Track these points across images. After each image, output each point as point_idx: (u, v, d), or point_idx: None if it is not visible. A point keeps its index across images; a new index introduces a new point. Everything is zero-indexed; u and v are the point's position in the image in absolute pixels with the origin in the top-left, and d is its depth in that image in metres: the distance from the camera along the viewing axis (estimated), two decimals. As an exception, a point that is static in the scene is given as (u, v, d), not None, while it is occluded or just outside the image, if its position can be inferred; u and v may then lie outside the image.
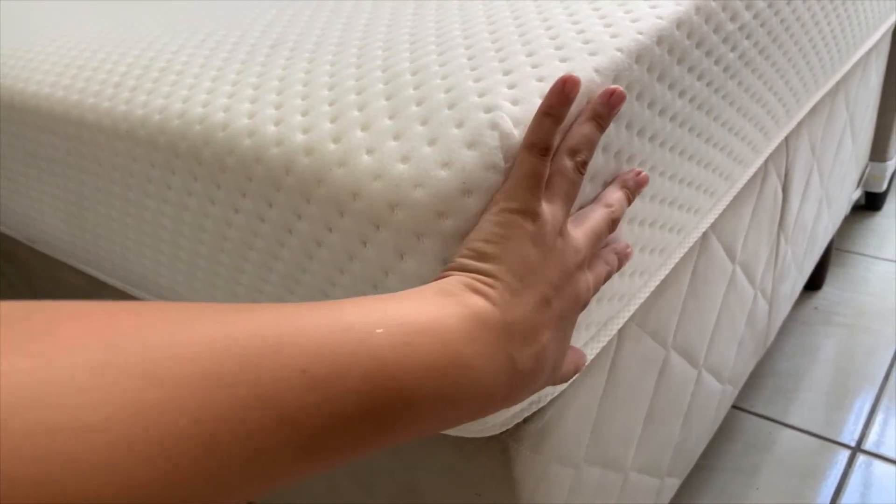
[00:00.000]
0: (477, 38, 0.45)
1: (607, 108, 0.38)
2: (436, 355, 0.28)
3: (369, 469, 0.58)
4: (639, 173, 0.43)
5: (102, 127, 0.51)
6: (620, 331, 0.53)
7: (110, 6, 0.77)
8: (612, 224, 0.40)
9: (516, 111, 0.36)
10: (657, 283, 0.54)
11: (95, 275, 0.71)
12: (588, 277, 0.37)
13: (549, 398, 0.46)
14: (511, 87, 0.38)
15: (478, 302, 0.31)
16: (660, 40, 0.43)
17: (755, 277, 0.79)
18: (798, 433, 0.97)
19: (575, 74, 0.36)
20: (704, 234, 0.63)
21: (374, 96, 0.41)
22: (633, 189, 0.43)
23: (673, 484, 0.76)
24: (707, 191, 0.57)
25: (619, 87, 0.38)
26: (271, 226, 0.43)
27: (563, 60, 0.40)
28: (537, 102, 0.37)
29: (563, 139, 0.37)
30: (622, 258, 0.43)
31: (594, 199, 0.41)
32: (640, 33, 0.42)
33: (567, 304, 0.35)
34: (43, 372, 0.19)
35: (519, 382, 0.32)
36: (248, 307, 0.25)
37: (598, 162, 0.41)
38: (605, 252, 0.42)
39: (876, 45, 1.00)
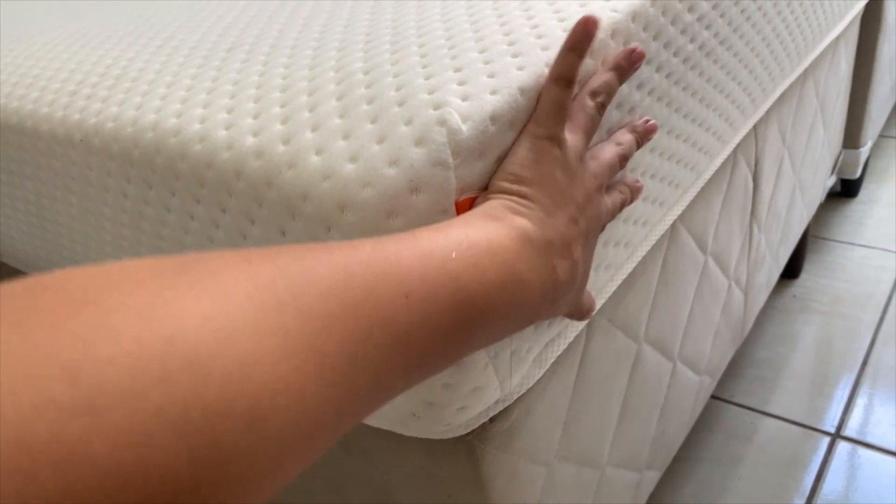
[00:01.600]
0: (431, 35, 0.44)
1: (628, 62, 0.42)
2: (499, 272, 0.32)
3: (342, 474, 0.57)
4: (647, 120, 0.47)
5: (57, 136, 0.51)
6: (589, 325, 0.53)
7: (72, 12, 0.76)
8: (623, 160, 0.44)
9: (465, 107, 0.36)
10: (624, 276, 0.54)
11: (62, 286, 0.70)
12: (607, 201, 0.42)
13: (515, 397, 0.46)
14: (461, 83, 0.38)
15: (522, 223, 0.35)
16: (614, 34, 0.43)
17: (728, 267, 0.79)
18: (778, 421, 0.97)
19: (594, 15, 0.39)
20: (673, 226, 0.63)
21: (326, 97, 0.40)
22: (642, 134, 0.46)
23: (653, 477, 0.76)
24: (672, 182, 0.57)
25: (639, 47, 0.42)
26: (225, 231, 0.42)
27: (514, 56, 0.40)
28: (488, 98, 0.37)
29: (586, 84, 0.41)
30: (634, 191, 0.47)
31: (605, 139, 0.45)
32: (594, 26, 0.42)
33: (591, 223, 0.39)
34: (223, 317, 0.21)
35: (560, 290, 0.37)
36: (346, 244, 0.28)
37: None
38: (618, 184, 0.46)
39: (844, 33, 1.01)
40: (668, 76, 0.50)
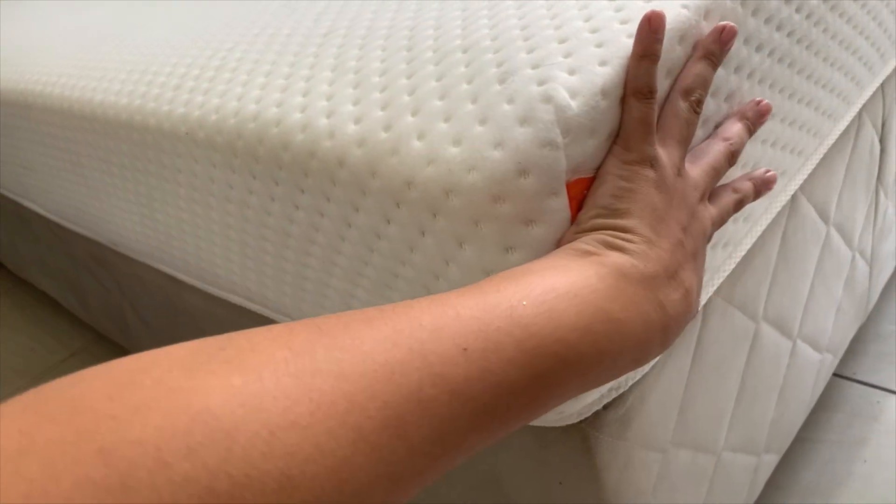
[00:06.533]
0: (532, 5, 0.42)
1: (719, 44, 0.37)
2: (582, 315, 0.29)
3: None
4: (759, 102, 0.42)
5: (163, 130, 0.52)
6: (706, 306, 0.50)
7: (170, 8, 0.78)
8: (732, 157, 0.40)
9: (573, 81, 0.34)
10: (743, 253, 0.51)
11: (174, 274, 0.72)
12: (710, 210, 0.38)
13: (630, 383, 0.44)
14: (567, 55, 0.36)
15: (617, 258, 0.32)
16: (707, 14, 0.40)
17: (852, 238, 0.74)
18: (908, 401, 0.91)
19: (657, 10, 0.35)
20: (794, 196, 0.59)
21: (425, 78, 0.39)
22: (754, 120, 0.42)
23: (771, 460, 0.72)
24: (794, 150, 0.53)
25: (730, 23, 0.37)
26: (331, 220, 0.42)
27: (623, 22, 0.37)
28: (598, 70, 0.35)
29: (677, 80, 0.37)
30: (760, 184, 0.42)
31: (712, 134, 0.41)
32: (709, -15, 0.39)
33: (697, 241, 0.36)
34: (255, 384, 0.22)
35: (673, 324, 0.34)
36: (405, 303, 0.28)
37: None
38: (737, 181, 0.41)
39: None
40: (789, 34, 0.46)
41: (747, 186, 0.41)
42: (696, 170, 0.37)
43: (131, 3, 0.93)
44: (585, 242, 0.33)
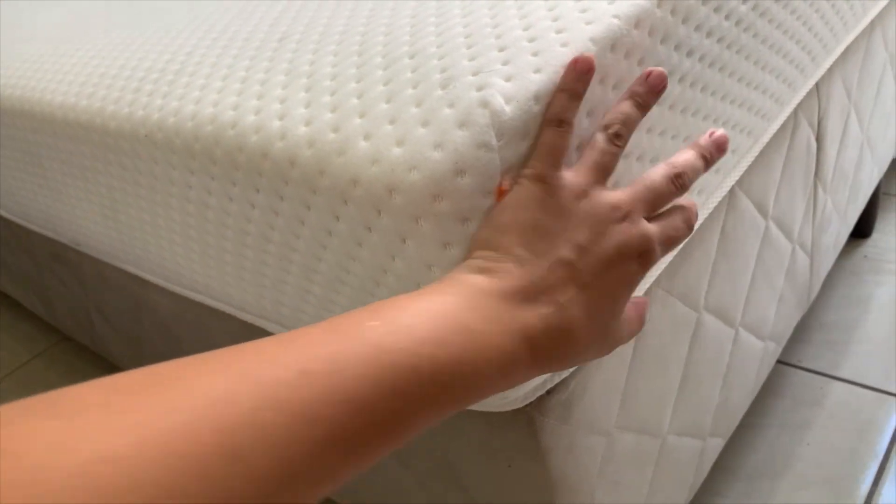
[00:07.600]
0: (476, 14, 0.44)
1: (645, 86, 0.39)
2: (434, 328, 0.29)
3: (406, 445, 0.59)
4: (713, 133, 0.43)
5: (123, 132, 0.53)
6: (645, 296, 0.53)
7: (131, 10, 0.79)
8: (676, 178, 0.39)
9: (509, 87, 0.36)
10: (680, 245, 0.54)
11: (138, 273, 0.74)
12: (643, 228, 0.37)
13: (571, 369, 0.46)
14: (505, 63, 0.38)
15: (477, 279, 0.33)
16: (661, 2, 0.43)
17: (792, 231, 0.77)
18: (849, 386, 0.95)
19: (588, 55, 0.37)
20: (732, 192, 0.62)
21: (373, 83, 0.41)
22: (707, 148, 0.42)
23: (717, 444, 0.75)
24: (729, 149, 0.56)
25: (658, 69, 0.39)
26: (285, 219, 0.44)
27: (558, 32, 0.40)
28: (532, 77, 0.37)
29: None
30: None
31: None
32: (638, -4, 0.42)
33: (599, 262, 0.35)
34: (69, 427, 0.22)
35: (542, 337, 0.33)
36: (254, 342, 0.27)
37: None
38: (677, 210, 0.41)
39: (915, -22, 0.95)
40: (719, 40, 0.49)
41: (690, 201, 0.41)
42: (625, 191, 0.37)
43: (92, 4, 0.93)
44: (454, 270, 0.34)
